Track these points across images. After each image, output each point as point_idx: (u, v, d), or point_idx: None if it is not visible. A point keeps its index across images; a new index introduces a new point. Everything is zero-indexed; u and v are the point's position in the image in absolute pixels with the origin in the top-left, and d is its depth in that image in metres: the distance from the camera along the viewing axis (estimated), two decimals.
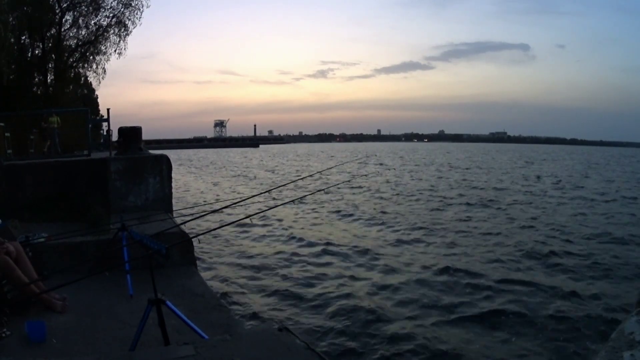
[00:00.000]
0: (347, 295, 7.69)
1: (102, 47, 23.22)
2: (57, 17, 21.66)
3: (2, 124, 11.28)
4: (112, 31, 22.84)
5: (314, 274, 8.96)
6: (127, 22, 22.80)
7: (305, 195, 6.19)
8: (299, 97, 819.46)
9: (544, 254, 10.37)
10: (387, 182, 28.19)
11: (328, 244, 11.61)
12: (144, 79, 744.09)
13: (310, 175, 9.48)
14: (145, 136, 9.35)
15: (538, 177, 33.47)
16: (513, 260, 9.95)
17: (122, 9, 22.50)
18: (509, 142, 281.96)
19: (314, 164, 51.61)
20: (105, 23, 22.67)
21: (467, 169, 43.18)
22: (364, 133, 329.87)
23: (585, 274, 8.93)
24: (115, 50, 23.16)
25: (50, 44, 21.95)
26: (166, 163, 7.76)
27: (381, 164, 47.19)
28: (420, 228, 13.61)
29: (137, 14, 22.65)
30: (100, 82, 25.55)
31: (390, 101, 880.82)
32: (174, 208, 7.86)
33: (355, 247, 11.21)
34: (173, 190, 7.80)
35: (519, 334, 6.26)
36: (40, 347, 3.43)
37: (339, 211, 16.89)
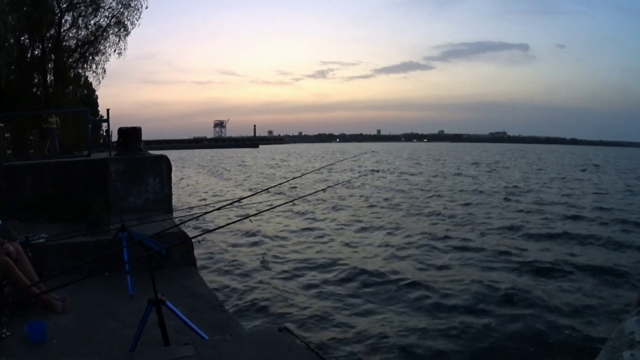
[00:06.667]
0: (349, 297, 7.68)
1: (102, 48, 23.25)
2: (57, 17, 21.66)
3: (2, 125, 11.29)
4: (111, 31, 22.87)
5: (314, 274, 8.96)
6: (126, 23, 22.83)
7: (306, 195, 6.19)
8: (298, 98, 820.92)
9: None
10: None
11: (331, 244, 11.61)
12: (144, 79, 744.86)
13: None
14: (145, 136, 9.35)
15: None
16: (517, 258, 9.95)
17: (121, 9, 22.52)
18: (508, 142, 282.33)
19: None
20: (104, 23, 22.70)
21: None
22: (364, 133, 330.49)
23: (584, 273, 8.93)
24: (114, 51, 23.19)
25: (49, 45, 21.94)
26: (166, 163, 7.76)
27: None
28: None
29: (136, 14, 22.68)
30: (100, 83, 25.62)
31: (390, 101, 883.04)
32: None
33: (357, 246, 11.21)
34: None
35: (517, 333, 6.26)
36: (40, 347, 3.43)
37: (337, 207, 16.94)
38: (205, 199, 20.09)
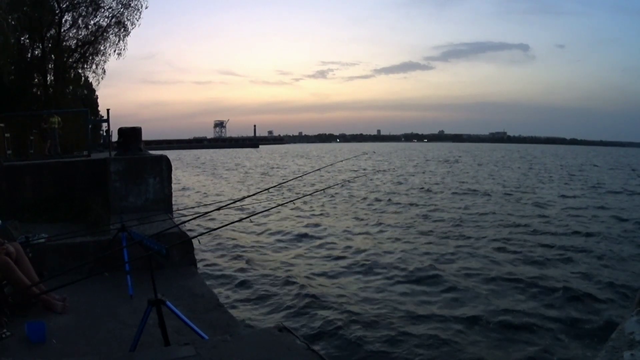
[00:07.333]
0: (349, 297, 7.69)
1: (102, 48, 23.23)
2: (57, 17, 21.65)
3: (2, 125, 11.30)
4: (111, 31, 22.86)
5: (315, 274, 8.96)
6: (126, 23, 22.81)
7: (305, 195, 6.19)
8: (298, 98, 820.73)
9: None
10: None
11: (330, 244, 11.62)
12: (144, 79, 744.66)
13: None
14: (145, 137, 9.35)
15: None
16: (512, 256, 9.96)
17: (121, 9, 22.50)
18: (508, 142, 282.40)
19: None
20: (104, 23, 22.68)
21: None
22: (364, 133, 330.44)
23: (584, 273, 8.93)
24: (114, 51, 23.16)
25: (50, 45, 21.93)
26: (166, 163, 7.76)
27: None
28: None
29: (136, 14, 22.65)
30: (99, 83, 25.63)
31: (390, 101, 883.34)
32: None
33: (356, 247, 11.21)
34: None
35: (516, 332, 6.26)
36: (40, 347, 3.42)
37: (336, 207, 16.95)
38: (202, 200, 20.10)
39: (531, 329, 6.37)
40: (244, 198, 5.04)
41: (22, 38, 20.94)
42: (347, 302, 7.36)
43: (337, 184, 7.71)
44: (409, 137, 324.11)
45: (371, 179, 28.66)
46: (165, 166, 7.73)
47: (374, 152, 76.64)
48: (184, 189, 26.02)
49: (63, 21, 21.96)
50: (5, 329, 3.53)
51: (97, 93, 34.92)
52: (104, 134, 25.33)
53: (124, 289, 4.56)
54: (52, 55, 22.22)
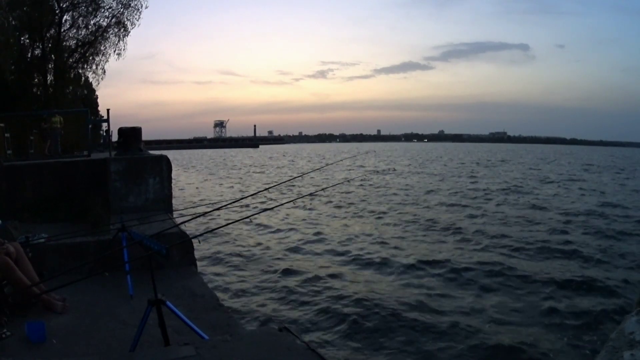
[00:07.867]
0: (349, 296, 7.68)
1: (102, 48, 23.21)
2: (57, 17, 21.64)
3: (2, 125, 11.29)
4: (111, 32, 22.84)
5: (315, 275, 8.96)
6: (126, 23, 22.79)
7: (305, 195, 6.19)
8: (298, 98, 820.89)
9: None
10: None
11: (329, 243, 11.62)
12: (144, 79, 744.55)
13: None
14: (145, 136, 9.34)
15: None
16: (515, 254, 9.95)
17: (121, 9, 22.48)
18: (509, 142, 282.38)
19: None
20: (104, 23, 22.65)
21: None
22: (364, 133, 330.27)
23: (583, 272, 8.93)
24: (114, 51, 23.14)
25: (49, 45, 21.91)
26: (166, 163, 7.76)
27: None
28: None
29: (136, 14, 22.62)
30: (99, 83, 25.62)
31: (390, 101, 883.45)
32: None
33: (356, 246, 11.21)
34: None
35: (514, 332, 6.26)
36: (40, 347, 3.42)
37: (335, 206, 16.95)
38: (201, 200, 20.10)
39: (529, 329, 6.37)
40: (244, 198, 5.05)
41: (22, 38, 20.94)
42: (348, 301, 7.37)
43: (338, 184, 7.69)
44: (409, 137, 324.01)
45: (371, 178, 28.68)
46: (165, 166, 7.73)
47: (375, 152, 77.04)
48: (183, 189, 26.03)
49: (63, 21, 21.94)
50: (5, 329, 3.53)
51: (97, 93, 34.86)
52: (104, 134, 25.29)
53: (124, 289, 4.56)
54: (52, 55, 22.20)
